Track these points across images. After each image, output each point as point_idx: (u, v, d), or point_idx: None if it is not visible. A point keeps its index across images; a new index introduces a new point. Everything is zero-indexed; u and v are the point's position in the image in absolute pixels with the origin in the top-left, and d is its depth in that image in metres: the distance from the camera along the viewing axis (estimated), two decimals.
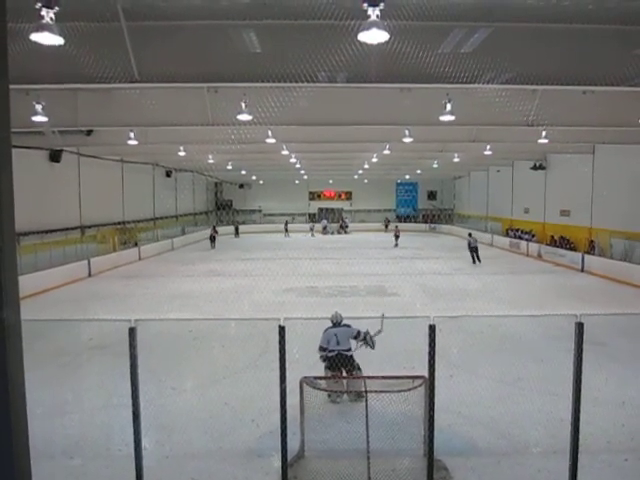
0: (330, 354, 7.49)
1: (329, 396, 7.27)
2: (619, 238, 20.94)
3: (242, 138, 14.15)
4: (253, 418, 7.05)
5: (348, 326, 7.67)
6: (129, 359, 5.04)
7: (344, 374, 7.47)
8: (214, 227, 36.36)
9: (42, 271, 17.90)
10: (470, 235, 25.70)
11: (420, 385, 5.53)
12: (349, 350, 7.57)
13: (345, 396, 7.52)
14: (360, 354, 7.66)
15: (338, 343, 7.51)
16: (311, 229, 43.44)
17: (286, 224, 43.05)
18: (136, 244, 27.58)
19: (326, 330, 7.69)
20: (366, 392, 5.87)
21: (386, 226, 44.55)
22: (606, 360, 9.11)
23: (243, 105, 11.34)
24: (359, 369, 7.56)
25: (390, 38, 6.58)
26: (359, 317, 12.08)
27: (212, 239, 33.73)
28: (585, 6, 7.35)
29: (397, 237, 33.67)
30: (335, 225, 46.24)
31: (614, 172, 21.53)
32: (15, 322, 1.65)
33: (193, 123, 13.10)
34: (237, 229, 43.13)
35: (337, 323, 7.70)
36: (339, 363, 7.42)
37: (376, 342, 7.41)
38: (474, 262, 24.56)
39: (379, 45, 6.92)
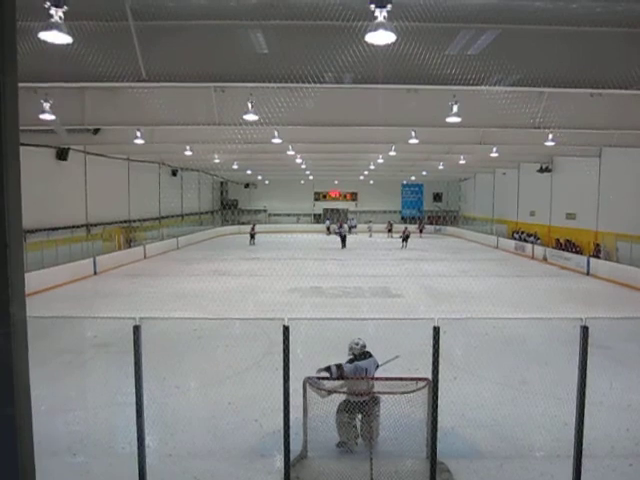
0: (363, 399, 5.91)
1: (338, 445, 6.12)
2: (625, 242, 20.85)
3: (248, 138, 14.19)
4: (256, 418, 7.05)
5: (369, 354, 6.31)
6: (133, 357, 5.05)
7: (358, 422, 6.10)
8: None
9: (48, 268, 17.98)
10: (341, 226, 34.94)
11: (424, 387, 5.51)
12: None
13: (360, 440, 6.14)
14: None
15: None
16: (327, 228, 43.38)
17: (253, 228, 36.57)
18: (130, 241, 27.53)
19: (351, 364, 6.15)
20: (370, 394, 5.86)
21: (389, 230, 41.17)
22: (611, 364, 9.07)
23: (250, 105, 11.36)
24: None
25: (397, 39, 6.60)
26: (363, 318, 12.14)
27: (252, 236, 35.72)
28: (593, 9, 7.33)
29: (406, 239, 33.47)
30: (334, 226, 40.93)
31: (621, 175, 21.42)
32: (21, 318, 1.67)
33: (200, 123, 13.12)
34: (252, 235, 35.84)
35: (361, 354, 6.27)
36: (367, 407, 5.90)
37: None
38: (343, 247, 32.56)
39: (386, 46, 6.94)
